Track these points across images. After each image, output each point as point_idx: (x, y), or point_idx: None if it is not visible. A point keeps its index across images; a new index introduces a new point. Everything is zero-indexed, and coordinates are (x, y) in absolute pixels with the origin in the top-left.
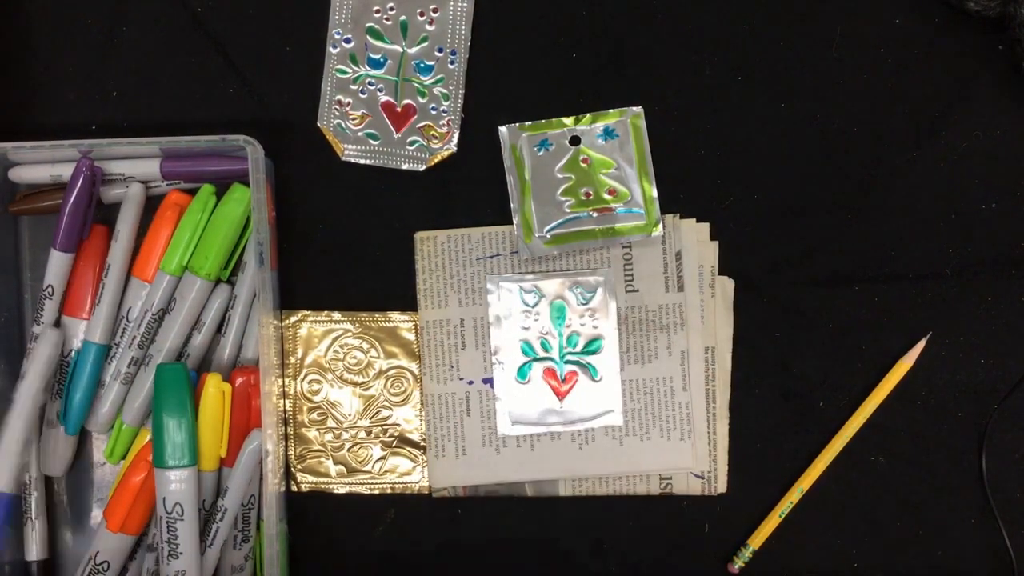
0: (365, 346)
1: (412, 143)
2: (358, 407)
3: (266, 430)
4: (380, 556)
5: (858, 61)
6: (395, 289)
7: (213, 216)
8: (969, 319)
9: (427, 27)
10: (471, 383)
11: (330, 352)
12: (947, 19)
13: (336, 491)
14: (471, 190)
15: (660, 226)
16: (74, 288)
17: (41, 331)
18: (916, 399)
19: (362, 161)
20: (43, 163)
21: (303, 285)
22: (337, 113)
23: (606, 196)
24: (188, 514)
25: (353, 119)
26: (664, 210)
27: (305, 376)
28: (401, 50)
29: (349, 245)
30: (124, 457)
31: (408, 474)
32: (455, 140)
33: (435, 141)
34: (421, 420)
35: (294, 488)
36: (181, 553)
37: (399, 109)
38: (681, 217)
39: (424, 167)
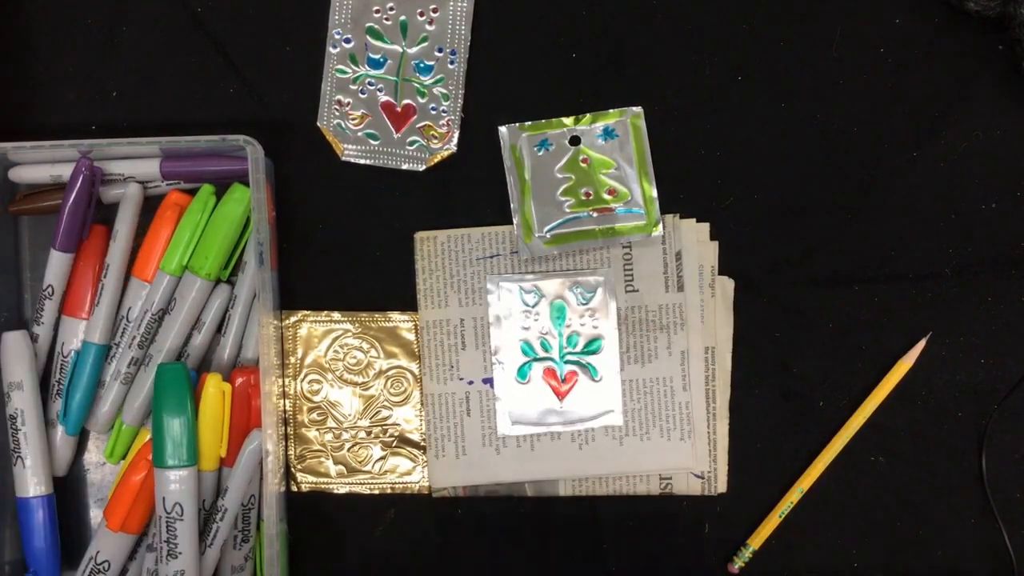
0: (365, 346)
1: (412, 143)
2: (358, 407)
3: (266, 430)
4: (380, 556)
5: (858, 61)
6: (395, 289)
7: (213, 216)
8: (969, 319)
9: (427, 27)
10: (471, 383)
11: (330, 352)
12: (947, 19)
13: (336, 491)
14: (471, 190)
15: (660, 226)
16: (74, 288)
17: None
18: (916, 399)
19: (362, 161)
20: (43, 163)
21: (303, 285)
22: (337, 113)
23: (606, 196)
24: (188, 514)
25: (353, 119)
26: (664, 210)
27: (305, 376)
28: (401, 50)
29: (349, 245)
30: (124, 457)
31: (408, 474)
32: (455, 140)
33: (435, 141)
34: (421, 420)
35: (294, 488)
36: (180, 553)
37: (399, 109)
38: (681, 217)
39: (424, 167)
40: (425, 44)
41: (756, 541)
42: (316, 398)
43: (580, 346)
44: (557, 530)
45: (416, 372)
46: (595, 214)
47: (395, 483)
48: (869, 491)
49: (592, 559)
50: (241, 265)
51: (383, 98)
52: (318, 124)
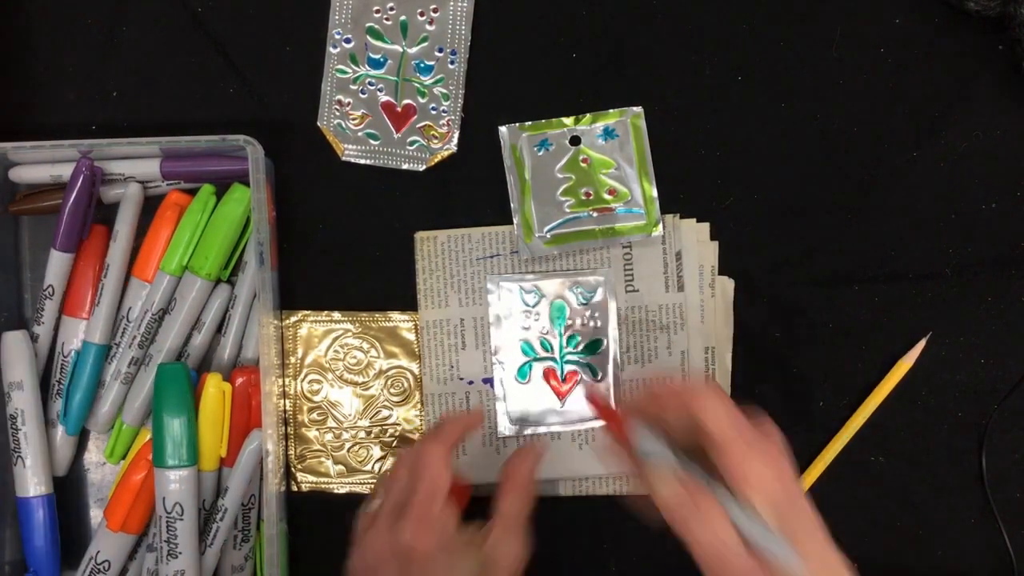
0: (365, 346)
1: (412, 143)
2: (358, 407)
3: (266, 430)
4: None
5: (858, 61)
6: (395, 289)
7: (213, 216)
8: (969, 319)
9: (427, 27)
10: (471, 383)
11: (330, 352)
12: (947, 19)
13: (336, 491)
14: (471, 190)
15: (660, 226)
16: (74, 288)
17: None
18: (916, 399)
19: (362, 161)
20: (43, 163)
21: (303, 285)
22: (337, 113)
23: (606, 196)
24: (188, 514)
25: (353, 119)
26: (664, 210)
27: (305, 376)
28: (401, 50)
29: (349, 245)
30: (124, 457)
31: None
32: (455, 140)
33: (435, 141)
34: (421, 420)
35: (294, 488)
36: (180, 553)
37: (399, 109)
38: (681, 217)
39: (424, 167)
40: (425, 44)
41: None
42: (316, 398)
43: (580, 346)
44: (557, 530)
45: (416, 372)
46: (595, 214)
47: None
48: (869, 491)
49: (592, 559)
50: (241, 265)
51: (383, 98)
52: (318, 124)
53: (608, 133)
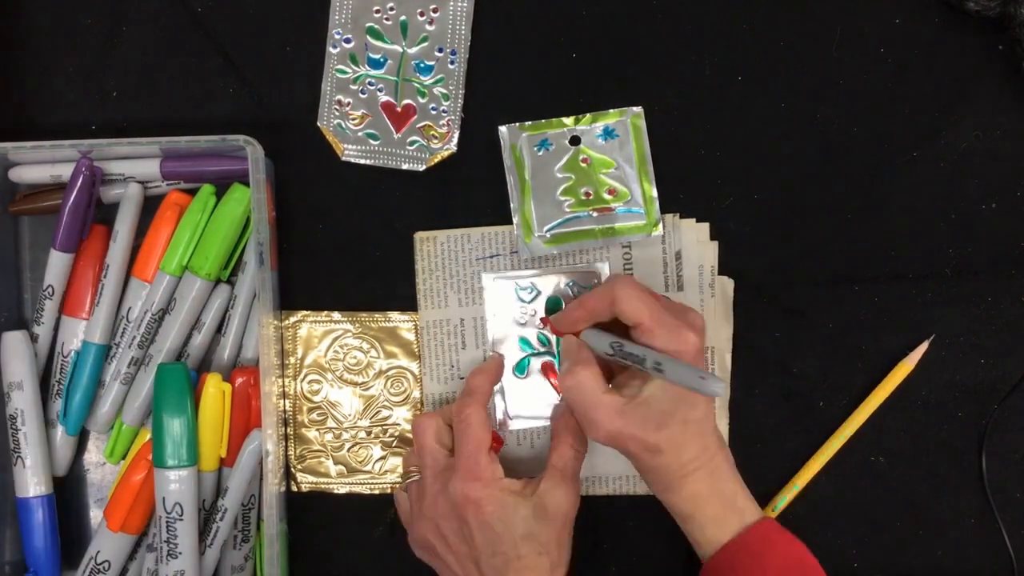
0: (365, 346)
1: (412, 143)
2: (358, 407)
3: (266, 430)
4: (380, 556)
5: (858, 61)
6: (395, 289)
7: (213, 216)
8: (969, 319)
9: (427, 27)
10: None
11: (330, 352)
12: (947, 19)
13: (336, 491)
14: (471, 190)
15: (660, 226)
16: (74, 288)
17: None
18: (916, 399)
19: (362, 161)
20: (43, 163)
21: (303, 285)
22: (337, 113)
23: (606, 196)
24: (188, 514)
25: (353, 119)
26: (664, 210)
27: (305, 376)
28: (401, 50)
29: (349, 245)
30: (124, 457)
31: None
32: (455, 140)
33: (435, 141)
34: None
35: (294, 488)
36: (180, 553)
37: (399, 109)
38: (681, 217)
39: (424, 167)
40: (425, 44)
41: None
42: (316, 398)
43: None
44: None
45: (416, 372)
46: (595, 214)
47: (395, 483)
48: (869, 491)
49: (592, 559)
50: (241, 265)
51: (383, 98)
52: (318, 124)
53: (608, 133)
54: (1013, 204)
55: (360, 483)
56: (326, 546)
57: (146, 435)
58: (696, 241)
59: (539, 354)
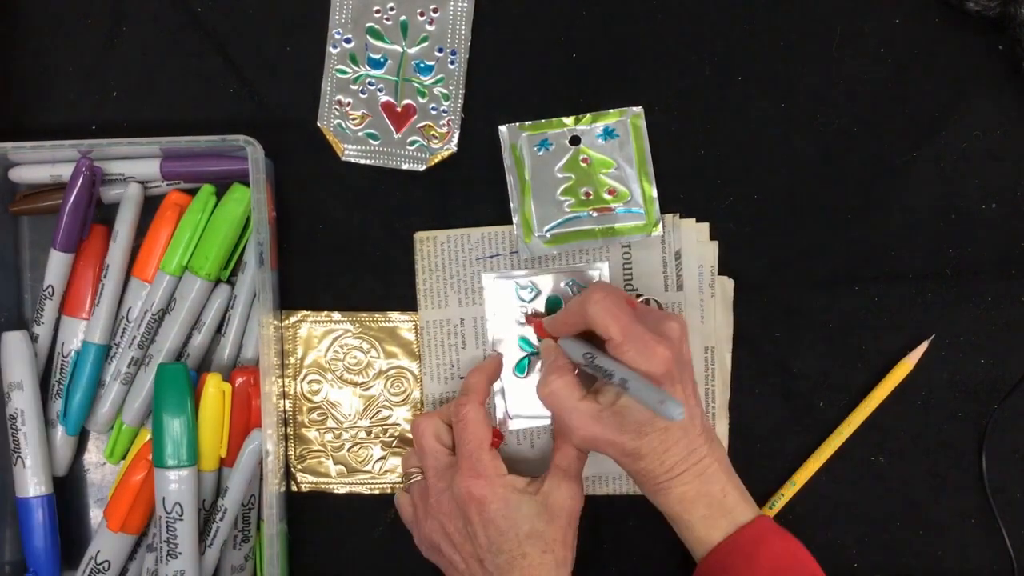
0: (365, 346)
1: (412, 143)
2: (358, 407)
3: (266, 430)
4: (380, 556)
5: (858, 61)
6: (395, 289)
7: (213, 216)
8: (969, 319)
9: (427, 27)
10: None
11: (330, 352)
12: (947, 19)
13: (336, 491)
14: (471, 190)
15: (660, 226)
16: (74, 288)
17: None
18: (916, 399)
19: (362, 161)
20: (43, 163)
21: (303, 285)
22: (337, 113)
23: (606, 196)
24: (188, 514)
25: (353, 119)
26: (664, 210)
27: (305, 376)
28: (401, 50)
29: (349, 245)
30: (124, 457)
31: None
32: (455, 140)
33: (435, 141)
34: None
35: (294, 488)
36: (180, 553)
37: (399, 109)
38: (681, 217)
39: (424, 167)
40: (425, 44)
41: None
42: (316, 398)
43: None
44: None
45: (416, 372)
46: (595, 214)
47: (395, 483)
48: (869, 491)
49: (592, 559)
50: (241, 265)
51: (383, 98)
52: (318, 124)
53: (608, 133)
54: (1013, 204)
55: (360, 483)
56: (326, 546)
57: (146, 435)
58: (696, 241)
59: (539, 353)
